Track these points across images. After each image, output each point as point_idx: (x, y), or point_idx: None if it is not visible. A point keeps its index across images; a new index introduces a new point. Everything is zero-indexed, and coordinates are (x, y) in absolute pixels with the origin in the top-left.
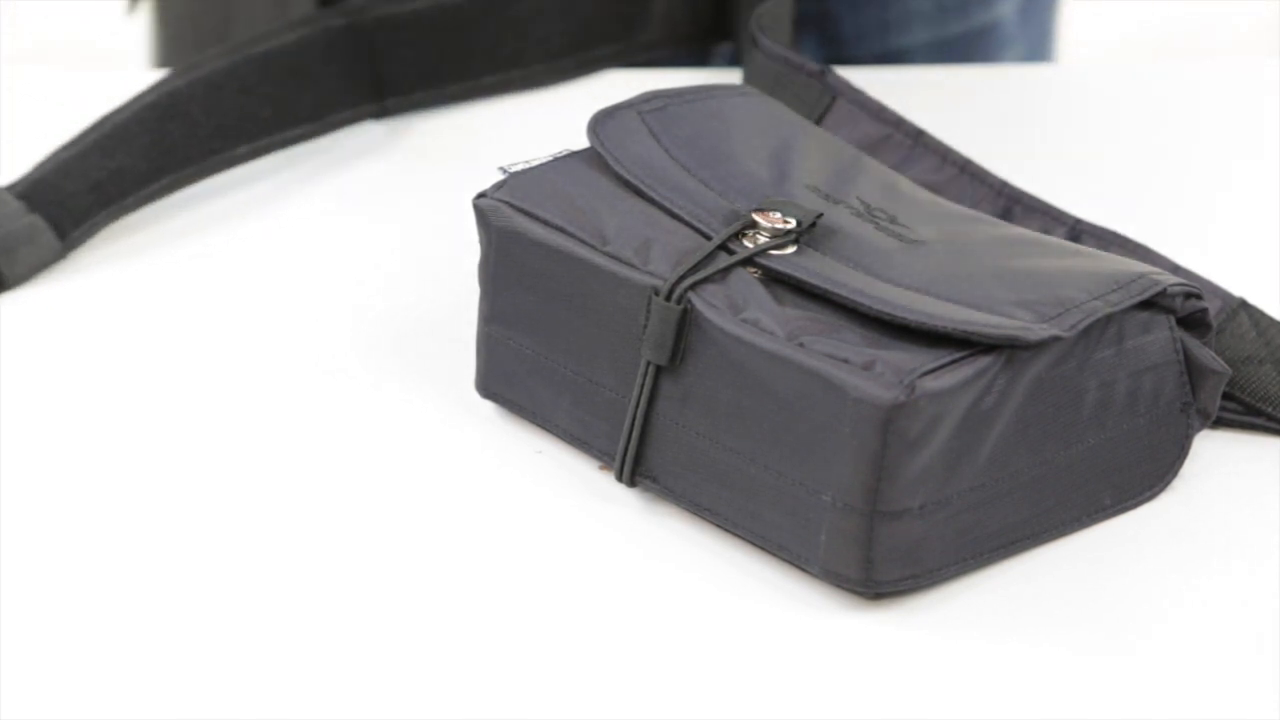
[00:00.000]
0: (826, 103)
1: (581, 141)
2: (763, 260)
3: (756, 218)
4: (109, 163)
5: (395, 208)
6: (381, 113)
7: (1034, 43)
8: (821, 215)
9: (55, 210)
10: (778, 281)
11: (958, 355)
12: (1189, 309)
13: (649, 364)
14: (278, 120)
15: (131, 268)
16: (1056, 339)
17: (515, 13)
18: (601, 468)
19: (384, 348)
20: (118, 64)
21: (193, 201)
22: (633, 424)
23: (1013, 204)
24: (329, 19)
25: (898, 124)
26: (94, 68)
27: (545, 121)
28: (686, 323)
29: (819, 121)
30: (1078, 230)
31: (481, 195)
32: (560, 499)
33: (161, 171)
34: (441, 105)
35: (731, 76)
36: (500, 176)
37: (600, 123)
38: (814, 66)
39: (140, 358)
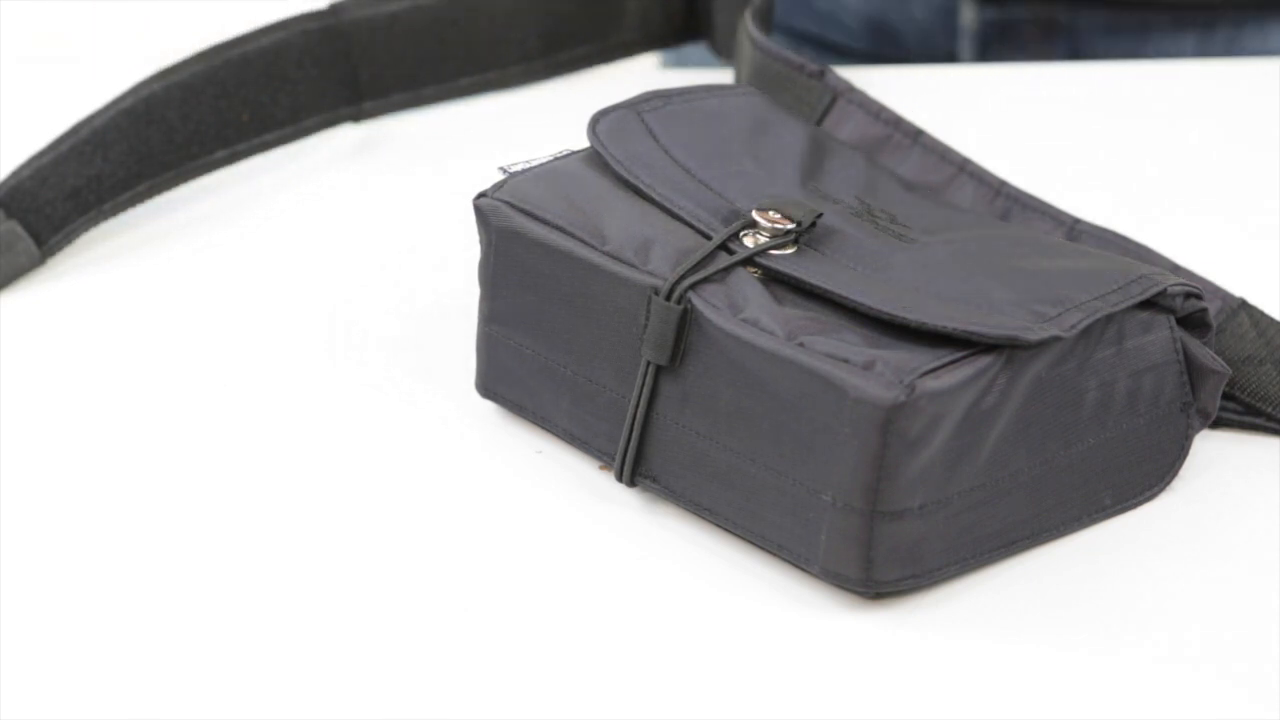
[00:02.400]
0: (826, 103)
1: (563, 140)
2: (763, 260)
3: (756, 217)
4: (87, 169)
5: (377, 210)
6: (359, 115)
7: None
8: (821, 215)
9: (33, 217)
10: (778, 281)
11: (958, 355)
12: (1189, 309)
13: (649, 364)
14: (255, 124)
15: (111, 274)
16: (1056, 339)
17: (491, 15)
18: (601, 468)
19: (379, 348)
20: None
21: (171, 207)
22: (633, 424)
23: (1012, 204)
24: (305, 22)
25: (897, 124)
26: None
27: (521, 122)
28: (686, 323)
29: (819, 121)
30: (1077, 230)
31: (481, 195)
32: (560, 499)
33: (139, 177)
34: (418, 107)
35: (700, 76)
36: (500, 176)
37: (600, 122)
38: (814, 67)
39: (123, 365)
